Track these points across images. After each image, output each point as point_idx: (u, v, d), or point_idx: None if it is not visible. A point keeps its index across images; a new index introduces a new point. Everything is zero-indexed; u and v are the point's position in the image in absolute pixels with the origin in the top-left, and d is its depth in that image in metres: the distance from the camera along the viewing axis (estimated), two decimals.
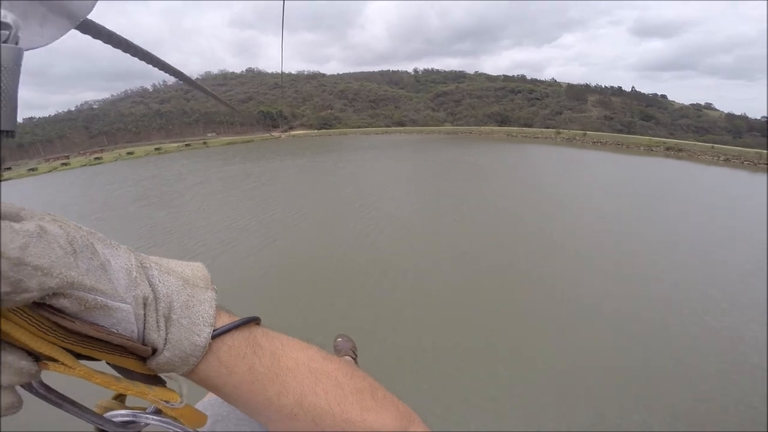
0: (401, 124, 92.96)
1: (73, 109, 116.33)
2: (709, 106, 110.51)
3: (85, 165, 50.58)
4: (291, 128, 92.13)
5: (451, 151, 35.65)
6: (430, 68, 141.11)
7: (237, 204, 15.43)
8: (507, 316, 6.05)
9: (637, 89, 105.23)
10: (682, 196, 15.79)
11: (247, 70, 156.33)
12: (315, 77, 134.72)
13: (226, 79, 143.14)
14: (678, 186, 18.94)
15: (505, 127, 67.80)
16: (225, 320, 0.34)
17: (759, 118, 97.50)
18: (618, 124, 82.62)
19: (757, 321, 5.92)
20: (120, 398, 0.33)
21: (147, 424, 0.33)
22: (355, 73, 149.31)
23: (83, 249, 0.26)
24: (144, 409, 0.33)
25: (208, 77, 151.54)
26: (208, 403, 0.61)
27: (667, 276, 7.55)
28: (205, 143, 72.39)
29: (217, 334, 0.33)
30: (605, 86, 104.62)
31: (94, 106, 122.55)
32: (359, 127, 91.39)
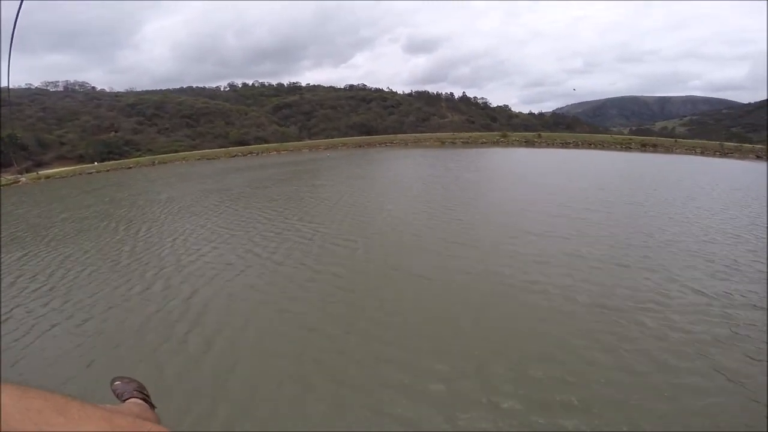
0: (243, 143, 67.22)
1: None
2: (508, 107, 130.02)
3: None
4: (40, 164, 52.40)
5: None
6: (250, 83, 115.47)
7: None
8: None
9: (467, 95, 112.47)
10: None
11: None
12: (80, 90, 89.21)
13: None
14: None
15: (435, 134, 53.99)
16: None
17: (549, 113, 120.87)
18: (479, 126, 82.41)
19: None
20: None
21: None
22: (141, 91, 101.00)
23: None
24: None
25: None
26: None
27: None
28: None
29: None
30: (445, 93, 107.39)
31: None
32: (176, 151, 60.49)
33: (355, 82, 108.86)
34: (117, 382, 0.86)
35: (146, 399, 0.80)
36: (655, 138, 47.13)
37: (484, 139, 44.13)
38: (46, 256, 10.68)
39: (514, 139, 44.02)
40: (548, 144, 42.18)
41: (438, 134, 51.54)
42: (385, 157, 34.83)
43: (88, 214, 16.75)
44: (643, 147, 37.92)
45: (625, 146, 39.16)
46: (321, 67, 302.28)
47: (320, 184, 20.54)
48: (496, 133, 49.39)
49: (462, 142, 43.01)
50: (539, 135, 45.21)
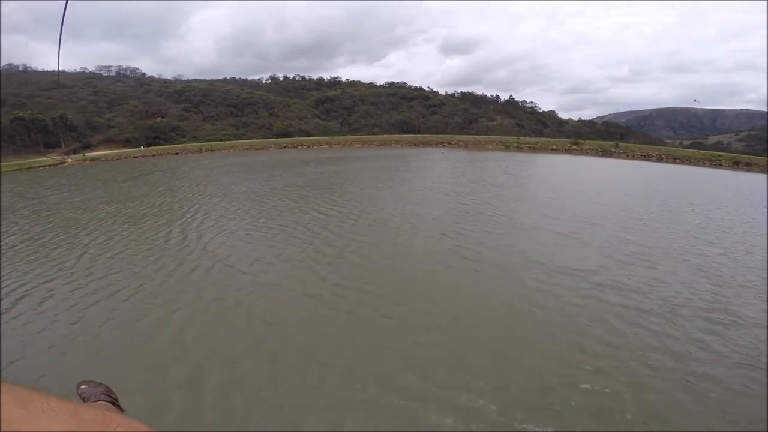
0: (286, 135, 65.61)
1: None
2: (555, 113, 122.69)
3: None
4: (87, 146, 52.27)
5: None
6: (291, 76, 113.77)
7: None
8: None
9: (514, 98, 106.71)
10: None
11: (6, 65, 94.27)
12: (131, 76, 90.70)
13: None
14: None
15: (498, 137, 50.37)
16: None
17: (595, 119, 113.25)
18: (530, 131, 77.21)
19: None
20: None
21: None
22: (189, 79, 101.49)
23: None
24: None
25: None
26: None
27: None
28: None
29: None
30: (491, 95, 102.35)
31: None
32: (221, 140, 59.36)
33: (389, 80, 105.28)
34: (83, 386, 0.82)
35: (114, 402, 0.77)
36: (747, 156, 42.23)
37: (554, 146, 40.09)
38: (65, 297, 6.61)
39: (587, 147, 39.80)
40: (627, 155, 38.14)
41: (501, 137, 47.40)
42: (464, 158, 31.28)
43: (142, 210, 13.84)
44: (735, 165, 35.60)
45: (715, 163, 36.12)
46: (355, 65, 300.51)
47: (430, 186, 17.04)
48: (566, 140, 44.93)
49: (529, 147, 39.00)
50: (617, 144, 40.74)
